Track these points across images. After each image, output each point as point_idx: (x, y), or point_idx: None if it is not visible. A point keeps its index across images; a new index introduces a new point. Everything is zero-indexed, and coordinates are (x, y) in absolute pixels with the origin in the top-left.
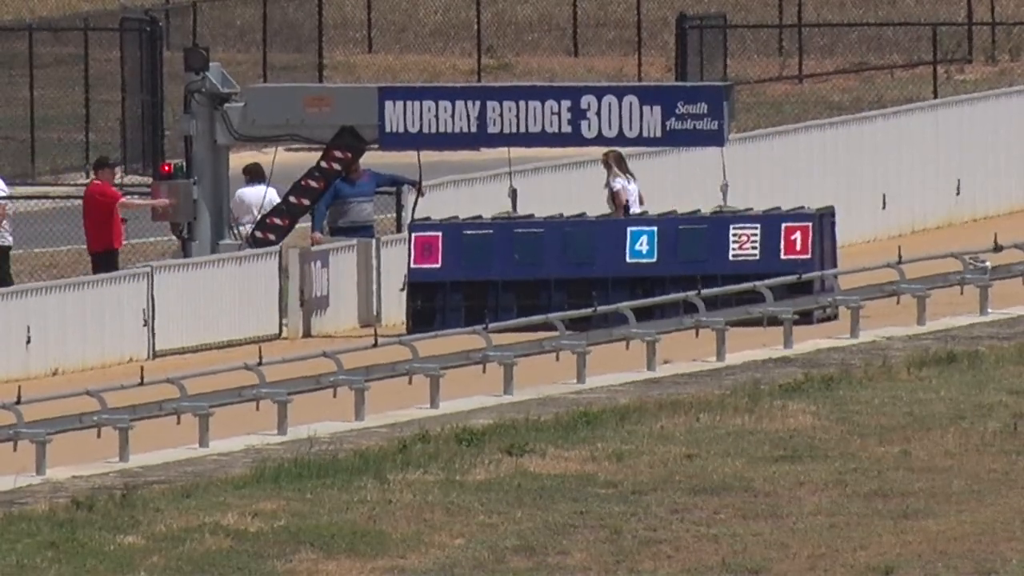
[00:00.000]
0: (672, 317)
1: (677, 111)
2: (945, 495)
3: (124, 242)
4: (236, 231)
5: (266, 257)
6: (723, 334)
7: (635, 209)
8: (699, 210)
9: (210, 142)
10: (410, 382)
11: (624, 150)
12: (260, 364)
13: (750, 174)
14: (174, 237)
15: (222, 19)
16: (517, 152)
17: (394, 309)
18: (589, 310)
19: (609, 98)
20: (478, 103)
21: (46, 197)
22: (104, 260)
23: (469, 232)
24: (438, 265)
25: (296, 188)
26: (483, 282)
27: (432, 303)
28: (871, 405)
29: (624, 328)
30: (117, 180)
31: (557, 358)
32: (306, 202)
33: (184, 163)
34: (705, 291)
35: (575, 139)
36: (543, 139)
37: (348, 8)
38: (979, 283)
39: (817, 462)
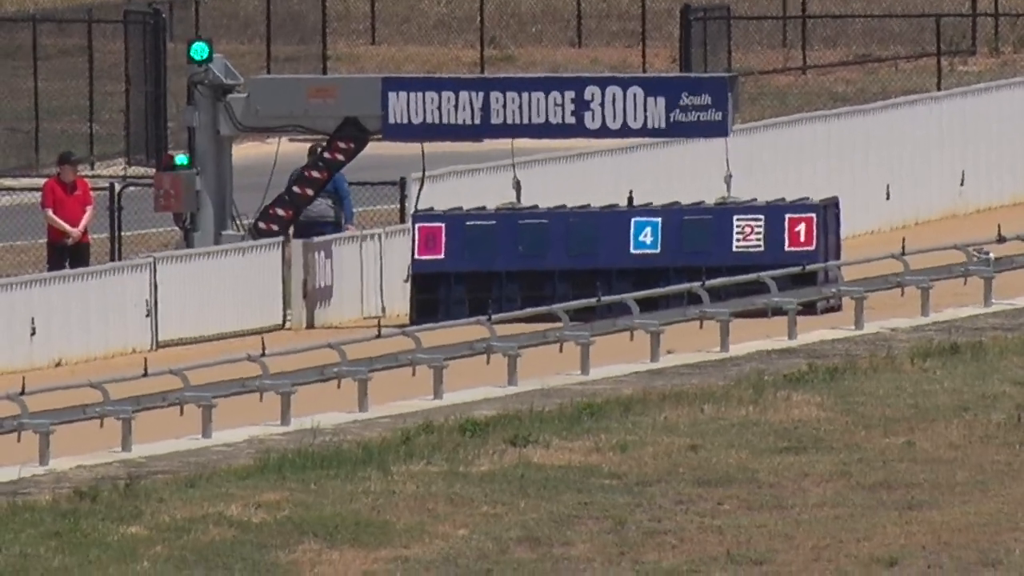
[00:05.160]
0: (676, 308)
1: (681, 102)
2: (949, 486)
3: (69, 239)
4: (239, 222)
5: (269, 248)
6: (727, 325)
7: None
8: (703, 201)
9: (213, 133)
10: (414, 373)
11: (628, 141)
12: (263, 355)
13: (754, 165)
14: (177, 228)
15: (225, 10)
16: (521, 143)
17: (398, 300)
18: (593, 301)
19: (613, 89)
20: (481, 94)
21: None
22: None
23: (472, 223)
24: (441, 256)
25: (299, 179)
26: (487, 273)
27: (436, 294)
28: (875, 396)
29: (628, 319)
30: (121, 172)
31: (561, 349)
32: (310, 192)
33: (187, 154)
34: (709, 282)
35: (579, 130)
36: (547, 130)
37: None
38: (983, 274)
39: (821, 453)
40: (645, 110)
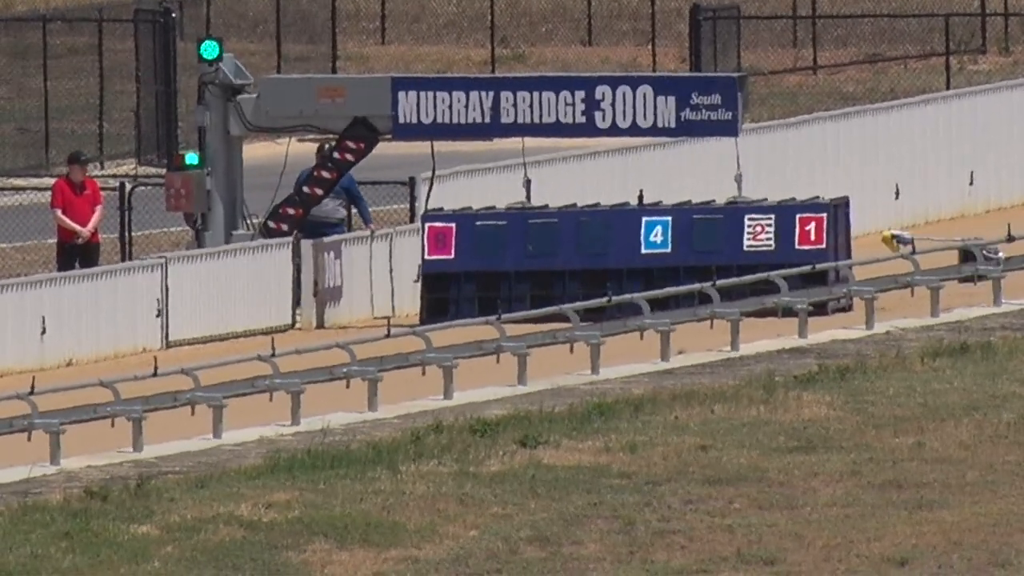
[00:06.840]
0: (686, 308)
1: (691, 101)
2: (959, 486)
3: (79, 239)
4: (249, 222)
5: (279, 248)
6: (737, 325)
7: None
8: (713, 200)
9: (223, 133)
10: (423, 373)
11: (638, 140)
12: (273, 355)
13: (764, 165)
14: (187, 227)
15: (235, 10)
16: (531, 142)
17: (408, 300)
18: (603, 301)
19: (623, 88)
20: (492, 93)
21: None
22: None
23: (482, 223)
24: (451, 256)
25: (309, 178)
26: (497, 273)
27: (445, 294)
28: (885, 396)
29: (638, 319)
30: (131, 171)
31: (571, 349)
32: (319, 192)
33: (197, 153)
34: (720, 282)
35: (589, 129)
36: (557, 129)
37: None
38: (992, 274)
39: (832, 453)
40: (655, 109)
